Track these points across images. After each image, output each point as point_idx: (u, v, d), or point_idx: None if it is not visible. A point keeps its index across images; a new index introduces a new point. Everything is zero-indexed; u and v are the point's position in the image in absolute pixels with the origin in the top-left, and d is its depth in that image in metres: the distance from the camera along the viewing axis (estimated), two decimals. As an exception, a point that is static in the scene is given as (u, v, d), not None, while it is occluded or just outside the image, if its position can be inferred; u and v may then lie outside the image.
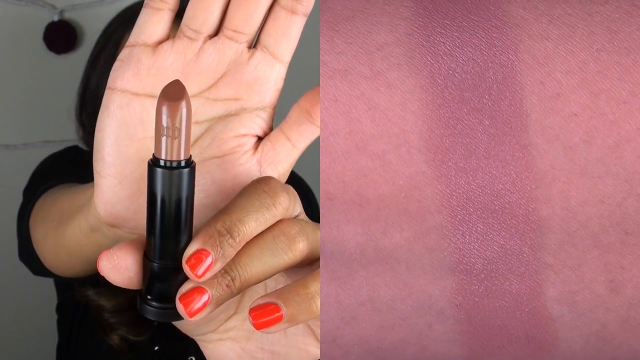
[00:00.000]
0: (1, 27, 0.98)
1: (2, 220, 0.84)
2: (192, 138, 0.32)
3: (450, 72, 0.28)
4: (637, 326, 0.30)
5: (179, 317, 0.29)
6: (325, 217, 0.29)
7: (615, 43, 0.28)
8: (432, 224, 0.29)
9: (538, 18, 0.28)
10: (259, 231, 0.29)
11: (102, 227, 0.34)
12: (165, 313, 0.29)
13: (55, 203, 0.56)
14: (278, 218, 0.29)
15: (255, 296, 0.31)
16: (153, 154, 0.27)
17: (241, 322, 0.33)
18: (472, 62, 0.28)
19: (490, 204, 0.29)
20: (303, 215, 0.31)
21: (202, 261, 0.27)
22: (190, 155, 0.27)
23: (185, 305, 0.28)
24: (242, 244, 0.28)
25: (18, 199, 0.69)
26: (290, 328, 0.32)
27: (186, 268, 0.27)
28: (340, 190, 0.29)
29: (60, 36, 0.98)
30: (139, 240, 0.29)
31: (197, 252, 0.27)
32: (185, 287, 0.28)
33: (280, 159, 0.33)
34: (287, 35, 0.31)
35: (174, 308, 0.28)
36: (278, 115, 0.33)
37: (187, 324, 0.32)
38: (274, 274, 0.29)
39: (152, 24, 0.31)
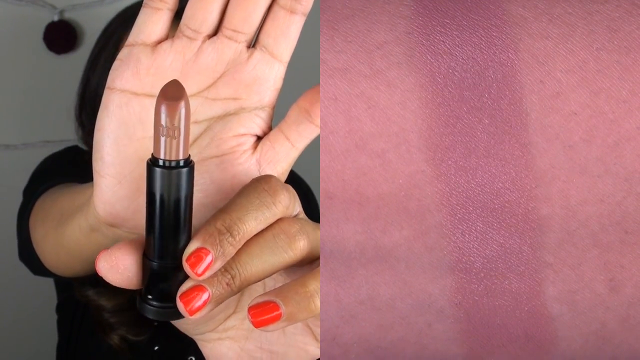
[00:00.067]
0: (1, 27, 0.98)
1: (2, 220, 0.84)
2: (191, 137, 0.32)
3: (450, 70, 0.28)
4: (637, 325, 0.30)
5: (178, 316, 0.29)
6: (325, 215, 0.29)
7: (615, 42, 0.28)
8: (432, 222, 0.29)
9: (538, 17, 0.28)
10: (259, 230, 0.29)
11: (102, 227, 0.34)
12: (165, 312, 0.29)
13: (55, 203, 0.56)
14: (278, 216, 0.29)
15: (254, 295, 0.31)
16: (152, 154, 0.27)
17: (240, 322, 0.33)
18: (471, 60, 0.28)
19: (490, 202, 0.29)
20: (302, 215, 0.31)
21: (202, 260, 0.27)
22: (189, 155, 0.27)
23: (186, 304, 0.28)
24: (242, 242, 0.28)
25: (18, 199, 0.69)
26: (289, 327, 0.32)
27: (186, 266, 0.27)
28: (339, 189, 0.29)
29: (60, 36, 0.98)
30: (138, 240, 0.29)
31: (197, 250, 0.27)
32: (185, 286, 0.28)
33: (279, 159, 0.33)
34: (286, 34, 0.31)
35: (174, 307, 0.28)
36: (277, 115, 0.33)
37: (187, 323, 0.32)
38: (274, 273, 0.29)
39: (152, 23, 0.31)
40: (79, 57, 0.92)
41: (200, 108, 0.32)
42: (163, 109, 0.26)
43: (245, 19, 0.31)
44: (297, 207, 0.31)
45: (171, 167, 0.27)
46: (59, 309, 0.82)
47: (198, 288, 0.28)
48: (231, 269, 0.28)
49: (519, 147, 0.28)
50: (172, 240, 0.28)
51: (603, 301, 0.30)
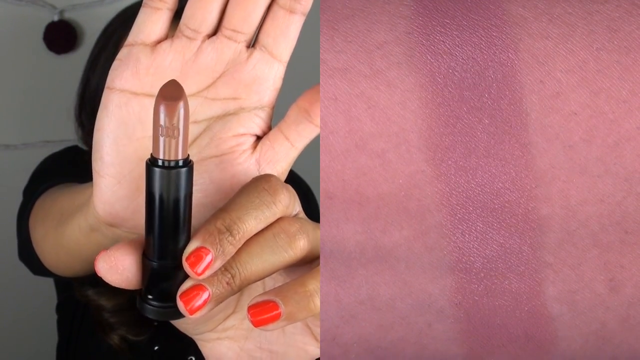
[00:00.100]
0: (1, 27, 0.98)
1: (2, 220, 0.84)
2: (191, 137, 0.32)
3: (450, 70, 0.28)
4: (637, 325, 0.30)
5: (179, 316, 0.29)
6: (325, 215, 0.29)
7: (615, 42, 0.28)
8: (432, 222, 0.29)
9: (538, 17, 0.28)
10: (259, 229, 0.29)
11: (101, 227, 0.34)
12: (165, 312, 0.29)
13: (55, 202, 0.56)
14: (278, 216, 0.29)
15: (253, 295, 0.31)
16: (151, 154, 0.27)
17: (239, 321, 0.33)
18: (471, 60, 0.28)
19: (490, 202, 0.29)
20: (302, 214, 0.31)
21: (202, 259, 0.27)
22: (188, 155, 0.27)
23: (186, 303, 0.28)
24: (242, 241, 0.28)
25: (18, 199, 0.69)
26: (289, 327, 0.32)
27: (186, 266, 0.27)
28: (339, 189, 0.29)
29: (60, 36, 0.98)
30: (137, 241, 0.29)
31: (197, 250, 0.27)
32: (185, 285, 0.28)
33: (278, 158, 0.33)
34: (285, 34, 0.31)
35: (174, 307, 0.28)
36: (277, 115, 0.33)
37: (186, 323, 0.32)
38: (274, 272, 0.29)
39: (151, 23, 0.31)
40: (79, 57, 0.92)
41: (199, 108, 0.32)
42: (162, 109, 0.26)
43: (244, 19, 0.31)
44: (296, 207, 0.31)
45: (170, 167, 0.27)
46: (59, 309, 0.82)
47: (198, 287, 0.28)
48: (231, 268, 0.28)
49: (519, 147, 0.28)
50: (171, 240, 0.28)
51: (603, 301, 0.30)
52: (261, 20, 0.31)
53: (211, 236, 0.27)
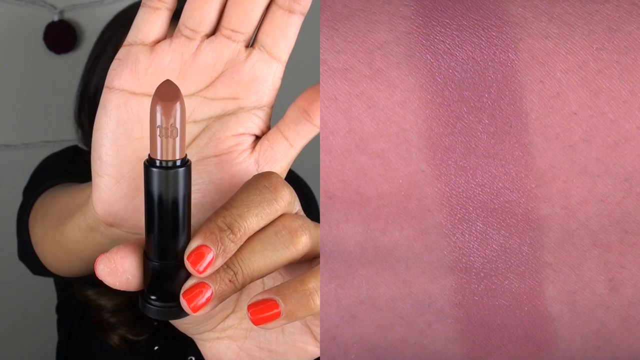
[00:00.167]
0: (1, 27, 0.98)
1: (2, 220, 0.84)
2: (190, 137, 0.32)
3: (450, 70, 0.28)
4: (637, 325, 0.30)
5: (181, 315, 0.29)
6: (325, 216, 0.29)
7: (615, 42, 0.28)
8: (432, 222, 0.29)
9: (538, 17, 0.28)
10: (261, 226, 0.29)
11: (101, 227, 0.34)
12: (167, 311, 0.29)
13: (55, 202, 0.56)
14: (280, 212, 0.29)
15: (252, 294, 0.31)
16: (149, 154, 0.27)
17: (239, 321, 0.33)
18: (471, 60, 0.28)
19: (490, 202, 0.29)
20: (302, 213, 0.31)
21: (204, 257, 0.27)
22: (186, 155, 0.27)
23: (189, 301, 0.28)
24: (244, 239, 0.28)
25: (18, 199, 0.69)
26: (288, 326, 0.32)
27: (188, 264, 0.27)
28: (339, 189, 0.29)
29: (60, 36, 0.98)
30: (136, 242, 0.29)
31: (198, 248, 0.27)
32: (188, 284, 0.28)
33: (278, 158, 0.33)
34: (284, 34, 0.31)
35: (176, 306, 0.28)
36: (277, 115, 0.33)
37: (186, 323, 0.32)
38: (277, 268, 0.29)
39: (150, 23, 0.31)
40: (79, 57, 0.92)
41: (198, 108, 0.32)
42: (158, 109, 0.26)
43: (243, 19, 0.31)
44: (296, 206, 0.31)
45: (168, 167, 0.27)
46: (59, 309, 0.82)
47: (201, 285, 0.28)
48: (233, 266, 0.28)
49: (519, 147, 0.28)
50: (171, 239, 0.28)
51: (603, 301, 0.30)
52: (260, 20, 0.31)
53: (212, 234, 0.27)
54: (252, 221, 0.28)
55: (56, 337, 0.82)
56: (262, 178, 0.29)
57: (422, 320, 0.30)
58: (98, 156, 0.32)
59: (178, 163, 0.27)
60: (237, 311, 0.33)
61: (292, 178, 0.34)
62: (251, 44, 0.32)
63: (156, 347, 0.74)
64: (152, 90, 0.31)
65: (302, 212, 0.31)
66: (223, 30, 0.31)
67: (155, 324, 0.73)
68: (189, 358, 0.73)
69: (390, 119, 0.28)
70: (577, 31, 0.28)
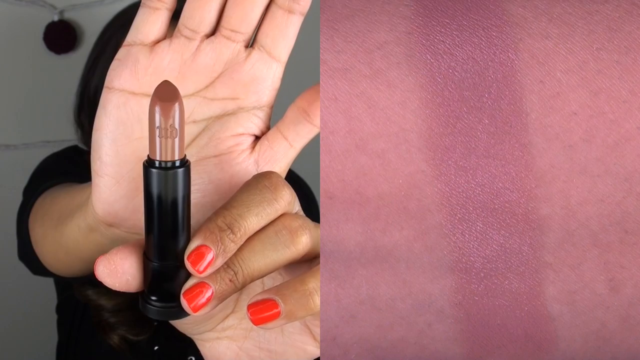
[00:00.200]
0: (1, 27, 0.98)
1: (2, 220, 0.84)
2: (189, 137, 0.32)
3: (450, 70, 0.28)
4: (637, 325, 0.30)
5: (181, 315, 0.29)
6: (325, 216, 0.29)
7: (615, 42, 0.28)
8: (432, 222, 0.29)
9: (538, 17, 0.28)
10: (261, 226, 0.29)
11: (100, 227, 0.34)
12: (167, 312, 0.29)
13: (55, 202, 0.56)
14: (280, 212, 0.29)
15: (252, 294, 0.31)
16: (148, 155, 0.27)
17: (238, 321, 0.33)
18: (471, 60, 0.28)
19: (490, 202, 0.29)
20: (301, 213, 0.31)
21: (204, 257, 0.27)
22: (185, 155, 0.27)
23: (190, 301, 0.28)
24: (244, 239, 0.28)
25: (18, 199, 0.69)
26: (287, 326, 0.32)
27: (188, 264, 0.27)
28: (339, 189, 0.29)
29: (60, 36, 0.98)
30: (135, 244, 0.29)
31: (198, 248, 0.27)
32: (189, 283, 0.28)
33: (277, 158, 0.33)
34: (284, 34, 0.31)
35: (176, 307, 0.28)
36: (277, 115, 0.33)
37: (186, 323, 0.32)
38: (277, 268, 0.29)
39: (150, 23, 0.31)
40: (79, 57, 0.92)
41: (198, 108, 0.32)
42: (157, 110, 0.26)
43: (243, 19, 0.31)
44: (296, 206, 0.31)
45: (167, 168, 0.27)
46: (59, 309, 0.82)
47: (201, 285, 0.28)
48: (233, 266, 0.28)
49: (519, 147, 0.28)
50: (171, 240, 0.28)
51: (603, 301, 0.30)
52: (260, 20, 0.31)
53: (212, 234, 0.27)
54: (252, 221, 0.28)
55: (56, 337, 0.82)
56: (262, 178, 0.29)
57: (422, 320, 0.30)
58: (98, 156, 0.32)
59: (177, 163, 0.27)
60: (236, 311, 0.33)
61: (292, 178, 0.34)
62: (251, 44, 0.32)
63: (156, 347, 0.74)
64: (152, 91, 0.31)
65: (301, 212, 0.31)
66: (223, 30, 0.31)
67: (155, 324, 0.73)
68: (189, 358, 0.73)
69: (390, 119, 0.28)
70: (577, 31, 0.28)
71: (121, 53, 0.32)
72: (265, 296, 0.28)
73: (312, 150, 0.34)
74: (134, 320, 0.73)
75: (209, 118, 0.32)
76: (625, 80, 0.28)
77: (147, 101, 0.31)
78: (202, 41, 0.31)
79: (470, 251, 0.29)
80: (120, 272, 0.28)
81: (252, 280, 0.28)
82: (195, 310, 0.28)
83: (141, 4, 0.31)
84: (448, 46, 0.28)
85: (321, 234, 0.29)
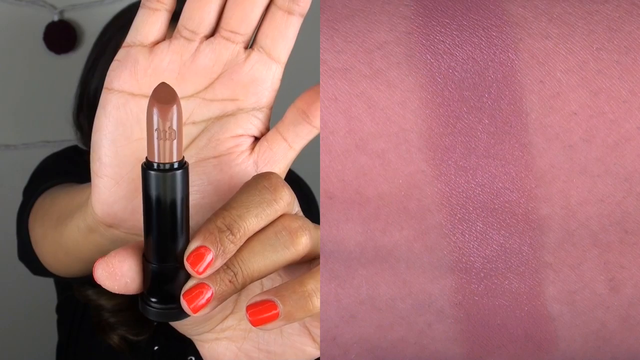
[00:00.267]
0: (1, 27, 0.98)
1: (2, 220, 0.84)
2: (189, 138, 0.32)
3: (450, 70, 0.28)
4: (637, 325, 0.30)
5: (181, 317, 0.29)
6: (325, 216, 0.29)
7: (615, 42, 0.28)
8: (432, 222, 0.29)
9: (538, 17, 0.28)
10: (260, 226, 0.29)
11: (100, 228, 0.34)
12: (167, 313, 0.29)
13: (54, 202, 0.56)
14: (280, 213, 0.29)
15: (251, 295, 0.31)
16: (146, 157, 0.27)
17: (238, 322, 0.33)
18: (471, 60, 0.28)
19: (490, 202, 0.29)
20: (301, 214, 0.31)
21: (203, 258, 0.27)
22: (183, 157, 0.27)
23: (189, 302, 0.28)
24: (243, 240, 0.28)
25: (18, 199, 0.69)
26: (286, 327, 0.32)
27: (187, 265, 0.27)
28: (339, 189, 0.29)
29: (60, 36, 0.98)
30: (135, 245, 0.29)
31: (198, 249, 0.27)
32: (189, 284, 0.28)
33: (276, 159, 0.33)
34: (283, 35, 0.31)
35: (176, 308, 0.28)
36: (276, 116, 0.33)
37: (185, 324, 0.32)
38: (277, 269, 0.29)
39: (149, 24, 0.31)
40: (79, 57, 0.92)
41: (197, 109, 0.32)
42: (155, 112, 0.26)
43: (242, 20, 0.31)
44: (295, 206, 0.31)
45: (165, 170, 0.27)
46: (59, 309, 0.82)
47: (201, 286, 0.28)
48: (233, 266, 0.28)
49: (519, 147, 0.28)
50: (170, 241, 0.28)
51: (603, 301, 0.30)
52: (259, 21, 0.31)
53: (211, 235, 0.27)
54: (252, 222, 0.28)
55: (56, 337, 0.82)
56: (262, 179, 0.29)
57: (422, 320, 0.30)
58: (97, 157, 0.32)
59: (175, 165, 0.27)
60: (235, 312, 0.33)
61: (292, 178, 0.34)
62: (250, 45, 0.32)
63: (156, 347, 0.74)
64: (151, 92, 0.31)
65: (301, 213, 0.31)
66: (222, 31, 0.31)
67: (155, 324, 0.73)
68: (189, 358, 0.73)
69: (390, 119, 0.28)
70: (577, 31, 0.28)
71: (120, 54, 0.32)
72: (264, 297, 0.28)
73: (312, 150, 0.34)
74: (134, 320, 0.73)
75: (208, 119, 0.32)
76: (625, 80, 0.28)
77: (146, 102, 0.31)
78: (201, 42, 0.31)
79: (470, 251, 0.29)
80: (119, 274, 0.28)
81: (252, 281, 0.28)
82: (195, 311, 0.28)
83: (140, 5, 0.31)
84: (448, 46, 0.28)
85: (321, 234, 0.29)
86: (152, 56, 0.31)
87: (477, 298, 0.29)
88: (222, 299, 0.28)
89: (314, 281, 0.28)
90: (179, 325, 0.32)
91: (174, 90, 0.27)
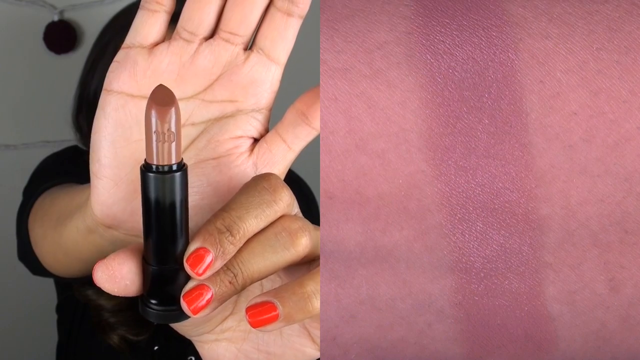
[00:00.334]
0: (1, 27, 0.98)
1: (2, 220, 0.84)
2: (188, 140, 0.32)
3: (450, 70, 0.28)
4: (637, 325, 0.30)
5: (181, 318, 0.29)
6: (325, 216, 0.29)
7: (615, 42, 0.28)
8: (432, 222, 0.29)
9: (538, 17, 0.28)
10: (260, 228, 0.29)
11: (99, 229, 0.34)
12: (167, 315, 0.29)
13: (54, 203, 0.56)
14: (279, 214, 0.29)
15: (251, 296, 0.31)
16: (145, 159, 0.27)
17: (237, 323, 0.33)
18: (471, 60, 0.28)
19: (490, 202, 0.29)
20: (300, 215, 0.31)
21: (203, 259, 0.27)
22: (182, 158, 0.27)
23: (189, 303, 0.28)
24: (243, 241, 0.28)
25: (18, 199, 0.69)
26: (286, 329, 0.32)
27: (187, 267, 0.27)
28: (339, 189, 0.29)
29: (60, 36, 0.98)
30: (134, 248, 0.29)
31: (197, 250, 0.27)
32: (189, 286, 0.28)
33: (276, 161, 0.33)
34: (282, 37, 0.31)
35: (176, 309, 0.28)
36: (275, 117, 0.33)
37: (185, 325, 0.32)
38: (277, 270, 0.29)
39: (148, 25, 0.31)
40: (79, 58, 0.92)
41: (196, 110, 0.32)
42: (153, 114, 0.26)
43: (242, 21, 0.31)
44: (295, 207, 0.31)
45: (164, 172, 0.27)
46: (59, 309, 0.82)
47: (201, 287, 0.28)
48: (233, 268, 0.28)
49: (519, 147, 0.28)
50: (170, 243, 0.28)
51: (603, 301, 0.30)
52: (258, 22, 0.31)
53: (211, 236, 0.27)
54: (251, 223, 0.28)
55: (56, 337, 0.82)
56: (261, 180, 0.29)
57: (422, 320, 0.30)
58: (96, 158, 0.32)
59: (174, 167, 0.27)
60: (235, 313, 0.33)
61: (292, 178, 0.34)
62: (250, 46, 0.32)
63: (156, 347, 0.74)
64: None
65: (300, 214, 0.31)
66: (221, 33, 0.31)
67: (155, 324, 0.73)
68: (189, 358, 0.73)
69: (390, 119, 0.28)
70: (577, 31, 0.28)
71: (120, 55, 0.32)
72: (264, 299, 0.28)
73: (312, 150, 0.34)
74: (133, 321, 0.73)
75: (207, 120, 0.32)
76: (625, 80, 0.28)
77: (145, 103, 0.31)
78: (200, 44, 0.31)
79: (470, 251, 0.29)
80: (119, 277, 0.28)
81: (252, 282, 0.28)
82: (195, 312, 0.28)
83: (140, 6, 0.31)
84: (448, 46, 0.28)
85: (321, 234, 0.29)
86: (152, 57, 0.31)
87: (477, 298, 0.29)
88: (222, 300, 0.28)
89: (314, 282, 0.28)
90: (179, 327, 0.32)
91: (172, 93, 0.27)
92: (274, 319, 0.28)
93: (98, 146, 0.31)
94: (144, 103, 0.31)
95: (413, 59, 0.28)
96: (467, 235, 0.29)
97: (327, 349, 0.31)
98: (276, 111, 0.33)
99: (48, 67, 1.00)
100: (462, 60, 0.28)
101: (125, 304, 0.73)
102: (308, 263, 0.31)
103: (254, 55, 0.32)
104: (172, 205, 0.27)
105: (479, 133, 0.28)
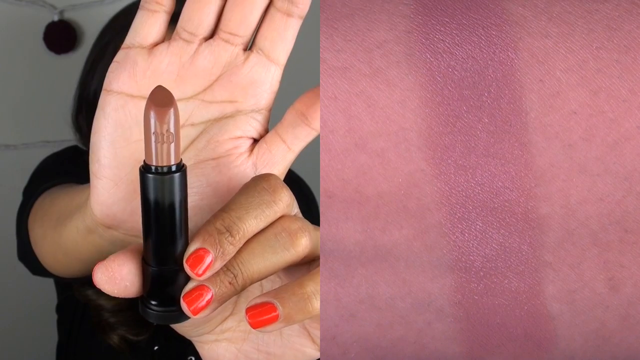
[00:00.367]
0: (1, 27, 0.98)
1: (2, 220, 0.84)
2: (188, 140, 0.32)
3: (450, 69, 0.28)
4: (637, 324, 0.30)
5: (181, 319, 0.29)
6: (325, 214, 0.29)
7: (615, 41, 0.28)
8: (431, 221, 0.29)
9: (537, 16, 0.28)
10: (260, 228, 0.29)
11: (99, 229, 0.34)
12: (167, 316, 0.29)
13: (54, 203, 0.56)
14: (279, 214, 0.29)
15: (251, 297, 0.31)
16: (144, 160, 0.27)
17: (237, 323, 0.33)
18: (471, 59, 0.28)
19: (490, 201, 0.29)
20: (300, 215, 0.31)
21: (202, 260, 0.27)
22: (181, 159, 0.27)
23: (189, 304, 0.28)
24: (243, 241, 0.28)
25: (18, 199, 0.69)
26: (286, 329, 0.32)
27: (187, 267, 0.27)
28: (339, 188, 0.29)
29: (60, 36, 0.98)
30: (134, 249, 0.29)
31: (197, 251, 0.27)
32: (189, 286, 0.28)
33: (275, 161, 0.33)
34: (282, 37, 0.31)
35: (176, 310, 0.28)
36: (275, 117, 0.33)
37: (185, 325, 0.32)
38: (277, 271, 0.29)
39: (148, 26, 0.31)
40: (79, 58, 0.92)
41: (196, 111, 0.32)
42: (152, 115, 0.26)
43: (241, 22, 0.31)
44: (295, 208, 0.31)
45: (163, 173, 0.27)
46: (59, 309, 0.82)
47: (201, 288, 0.28)
48: (233, 268, 0.28)
49: (519, 146, 0.28)
50: (169, 244, 0.28)
51: (603, 300, 0.30)
52: (258, 23, 0.31)
53: (211, 237, 0.27)
54: (251, 223, 0.28)
55: (56, 337, 0.82)
56: (261, 180, 0.29)
57: (421, 319, 0.30)
58: (96, 159, 0.32)
59: (173, 168, 0.27)
60: (235, 313, 0.33)
61: (292, 178, 0.34)
62: (249, 47, 0.32)
63: (156, 347, 0.74)
64: (151, 93, 0.30)
65: (300, 214, 0.31)
66: (221, 33, 0.31)
67: (155, 324, 0.73)
68: (189, 358, 0.73)
69: (390, 117, 0.28)
70: (577, 30, 0.28)
71: (119, 56, 0.32)
72: (264, 299, 0.28)
73: (312, 149, 0.34)
74: (133, 321, 0.73)
75: (207, 121, 0.32)
76: (625, 79, 0.28)
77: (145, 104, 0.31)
78: (200, 44, 0.31)
79: (470, 250, 0.29)
80: (119, 278, 0.28)
81: (252, 282, 0.28)
82: (195, 313, 0.28)
83: (140, 6, 0.31)
84: (448, 45, 0.28)
85: (321, 233, 0.29)
86: (151, 58, 0.31)
87: (476, 297, 0.29)
88: (222, 300, 0.28)
89: (314, 283, 0.28)
90: (179, 327, 0.32)
91: (170, 94, 0.27)
92: (274, 319, 0.28)
93: (98, 146, 0.31)
94: (144, 103, 0.31)
95: (413, 57, 0.28)
96: (466, 234, 0.29)
97: (327, 348, 0.31)
98: (276, 111, 0.33)
99: (48, 67, 1.00)
100: (462, 59, 0.28)
101: (125, 304, 0.73)
102: (308, 263, 0.31)
103: (254, 56, 0.32)
104: (172, 206, 0.27)
105: (478, 132, 0.28)
